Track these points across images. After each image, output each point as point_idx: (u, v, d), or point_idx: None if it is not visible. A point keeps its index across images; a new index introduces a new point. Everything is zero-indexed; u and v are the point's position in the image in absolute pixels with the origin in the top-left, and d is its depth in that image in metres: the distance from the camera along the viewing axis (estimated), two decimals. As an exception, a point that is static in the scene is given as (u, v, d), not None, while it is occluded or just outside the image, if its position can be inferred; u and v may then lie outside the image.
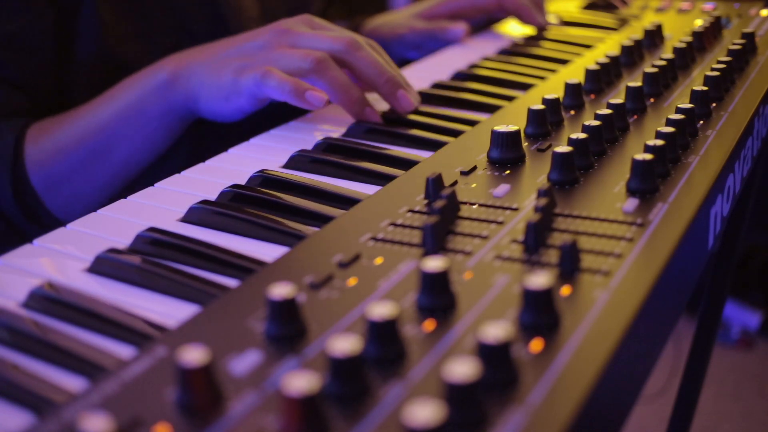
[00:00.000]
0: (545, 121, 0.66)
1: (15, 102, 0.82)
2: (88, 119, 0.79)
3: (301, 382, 0.32)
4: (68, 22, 0.85)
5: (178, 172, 0.66)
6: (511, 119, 0.71)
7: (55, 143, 0.79)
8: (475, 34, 1.13)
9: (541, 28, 1.10)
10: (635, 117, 0.70)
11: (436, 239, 0.48)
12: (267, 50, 0.74)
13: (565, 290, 0.42)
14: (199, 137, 0.84)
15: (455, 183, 0.58)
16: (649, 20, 1.11)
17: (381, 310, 0.37)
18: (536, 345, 0.38)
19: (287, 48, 0.74)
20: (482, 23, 1.16)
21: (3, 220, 0.82)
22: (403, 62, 1.09)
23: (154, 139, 0.79)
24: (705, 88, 0.69)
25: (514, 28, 1.15)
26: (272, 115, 0.84)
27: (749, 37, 0.89)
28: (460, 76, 0.92)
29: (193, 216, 0.57)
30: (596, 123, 0.61)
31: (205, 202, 0.58)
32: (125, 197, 0.62)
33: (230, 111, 0.75)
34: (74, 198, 0.81)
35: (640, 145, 0.62)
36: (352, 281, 0.45)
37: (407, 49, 1.12)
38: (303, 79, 0.72)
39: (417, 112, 0.79)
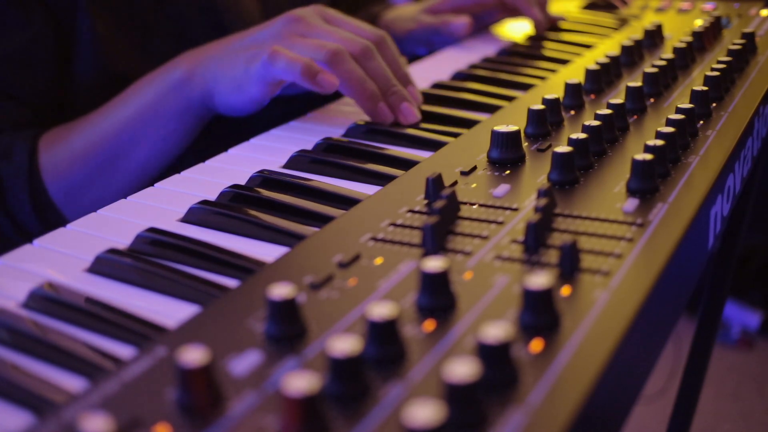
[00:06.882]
0: (545, 121, 0.66)
1: (21, 115, 0.81)
2: (104, 123, 0.77)
3: (301, 382, 0.32)
4: (66, 39, 0.85)
5: (178, 172, 0.66)
6: (511, 119, 0.71)
7: (71, 151, 0.77)
8: (475, 35, 1.13)
9: (539, 23, 1.10)
10: (635, 117, 0.70)
11: (436, 239, 0.48)
12: (279, 39, 0.73)
13: (565, 290, 0.42)
14: (199, 137, 0.84)
15: (455, 183, 0.58)
16: (649, 20, 1.11)
17: (381, 310, 0.37)
18: (536, 345, 0.38)
19: (299, 38, 0.73)
20: (485, 23, 1.16)
21: (24, 235, 0.80)
22: (413, 58, 1.10)
23: (172, 139, 0.78)
24: (705, 88, 0.69)
25: (513, 29, 1.15)
26: (272, 115, 0.83)
27: (749, 37, 0.89)
28: (460, 76, 0.92)
29: (193, 216, 0.57)
30: (596, 123, 0.61)
31: (205, 202, 0.58)
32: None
33: (243, 102, 0.74)
34: (95, 206, 0.80)
35: (640, 145, 0.62)
36: (352, 281, 0.45)
37: (417, 46, 1.12)
38: None
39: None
